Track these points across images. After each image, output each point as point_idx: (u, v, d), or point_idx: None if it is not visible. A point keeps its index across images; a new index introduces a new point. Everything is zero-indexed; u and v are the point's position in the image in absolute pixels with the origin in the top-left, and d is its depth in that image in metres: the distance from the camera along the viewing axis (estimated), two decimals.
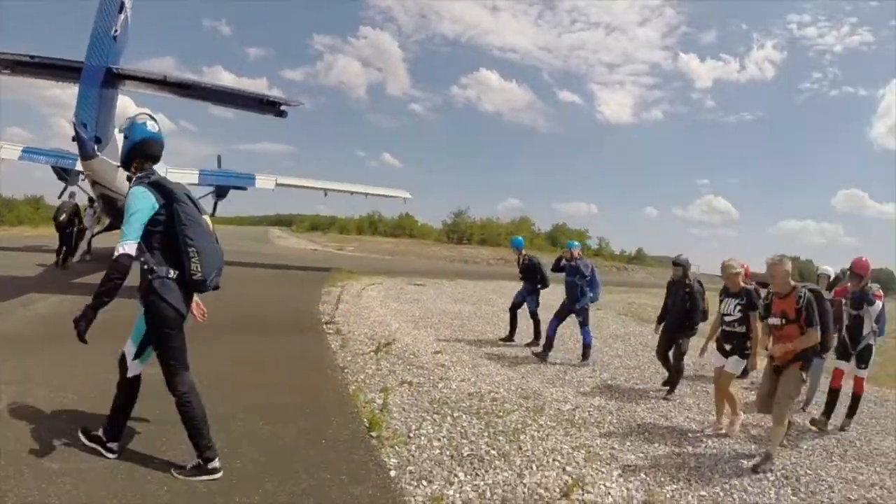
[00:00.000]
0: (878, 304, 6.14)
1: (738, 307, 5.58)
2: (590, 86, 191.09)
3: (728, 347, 5.63)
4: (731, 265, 5.77)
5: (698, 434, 5.18)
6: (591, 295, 8.22)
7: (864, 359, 6.09)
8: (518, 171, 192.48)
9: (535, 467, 3.86)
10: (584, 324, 8.18)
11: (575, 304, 8.09)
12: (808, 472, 4.42)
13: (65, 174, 18.16)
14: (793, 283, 5.01)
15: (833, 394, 5.97)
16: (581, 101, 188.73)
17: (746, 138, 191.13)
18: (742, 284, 5.76)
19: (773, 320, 5.05)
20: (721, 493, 3.81)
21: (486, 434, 4.41)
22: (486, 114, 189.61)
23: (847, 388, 6.08)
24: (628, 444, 4.62)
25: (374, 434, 4.10)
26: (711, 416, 5.68)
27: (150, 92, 11.07)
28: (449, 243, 61.70)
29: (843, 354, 6.20)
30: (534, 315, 9.00)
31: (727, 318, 5.66)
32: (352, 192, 22.11)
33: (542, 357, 7.92)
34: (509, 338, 8.99)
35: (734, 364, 5.54)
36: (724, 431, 5.40)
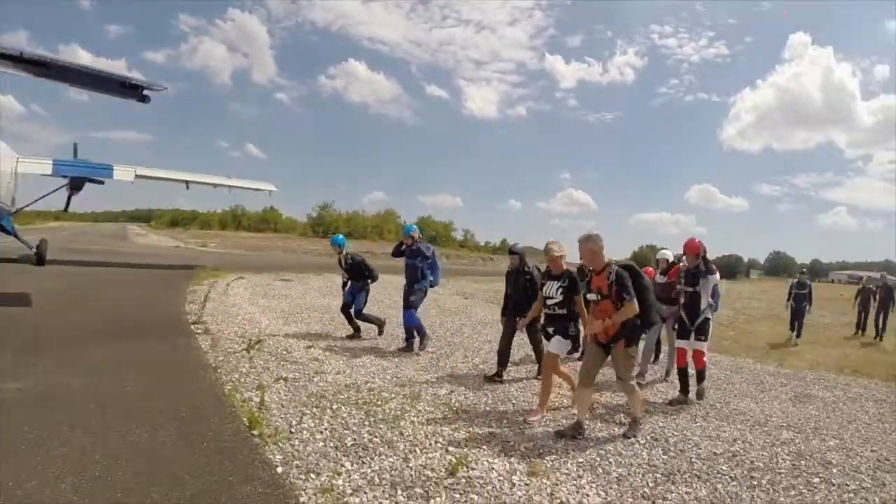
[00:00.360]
0: (717, 276, 6.33)
1: (560, 290, 5.64)
2: (457, 81, 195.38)
3: (551, 330, 5.67)
4: (552, 248, 5.79)
5: (569, 407, 5.48)
6: (432, 279, 8.18)
7: (703, 331, 6.23)
8: (384, 163, 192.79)
9: (419, 450, 3.96)
10: (410, 306, 7.97)
11: (414, 286, 8.01)
12: (676, 433, 4.90)
13: None
14: (607, 259, 5.12)
15: (682, 373, 6.20)
16: (448, 95, 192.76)
17: (606, 136, 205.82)
18: (564, 267, 5.82)
19: (591, 296, 5.19)
20: (598, 458, 4.14)
21: (367, 423, 4.46)
22: (353, 105, 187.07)
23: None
24: (505, 422, 4.88)
25: (255, 432, 4.01)
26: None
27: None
28: (314, 237, 61.23)
29: (682, 333, 6.37)
30: (359, 315, 8.70)
31: (549, 302, 5.71)
32: (215, 185, 21.19)
33: (409, 348, 7.88)
34: (355, 335, 8.65)
35: (557, 344, 5.57)
36: (536, 419, 5.18)
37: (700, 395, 6.19)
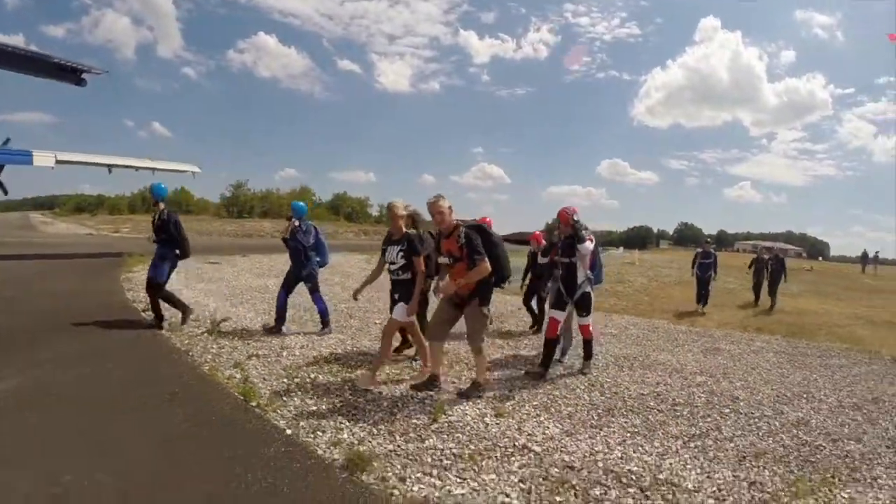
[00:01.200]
0: (589, 245, 5.97)
1: (401, 254, 5.49)
2: (370, 55, 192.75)
3: (396, 296, 5.55)
4: (395, 205, 5.67)
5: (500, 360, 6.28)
6: (318, 259, 7.79)
7: (583, 305, 6.09)
8: (295, 140, 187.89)
9: (400, 405, 4.58)
10: (313, 290, 7.72)
11: (301, 271, 7.60)
12: (608, 380, 5.77)
13: None
14: (455, 221, 5.11)
15: (548, 343, 6.04)
16: (360, 70, 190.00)
17: (519, 111, 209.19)
18: (404, 230, 5.62)
19: (442, 259, 5.19)
20: (548, 401, 4.95)
21: (346, 388, 4.97)
22: (263, 80, 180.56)
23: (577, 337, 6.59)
24: (463, 379, 5.45)
25: (253, 404, 4.40)
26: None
27: None
28: (229, 217, 59.82)
29: (557, 304, 6.20)
30: (159, 290, 7.42)
31: (392, 267, 5.57)
32: (137, 168, 20.72)
33: (276, 330, 7.47)
34: (155, 323, 7.41)
35: (400, 311, 5.46)
36: (375, 386, 5.15)
37: (583, 371, 6.11)
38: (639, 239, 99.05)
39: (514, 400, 4.96)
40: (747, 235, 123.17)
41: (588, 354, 6.29)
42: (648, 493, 3.21)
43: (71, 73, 10.18)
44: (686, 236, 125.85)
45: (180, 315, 7.52)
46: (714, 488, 3.34)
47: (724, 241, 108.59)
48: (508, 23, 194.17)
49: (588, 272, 6.10)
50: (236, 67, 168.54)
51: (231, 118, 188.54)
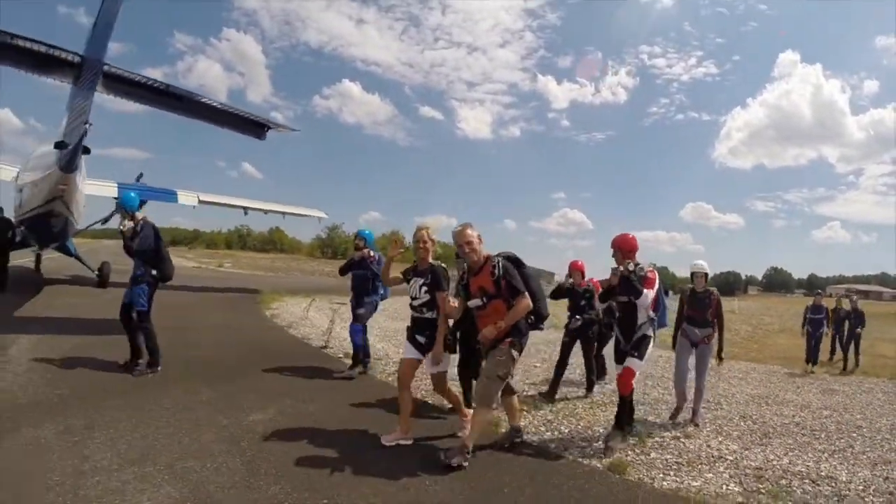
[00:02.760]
0: (649, 293, 5.16)
1: (425, 288, 4.81)
2: (450, 102, 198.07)
3: (422, 340, 4.87)
4: (423, 228, 5.00)
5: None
6: (382, 291, 7.38)
7: (637, 347, 5.32)
8: (379, 184, 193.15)
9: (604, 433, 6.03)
10: (357, 320, 7.31)
11: (363, 299, 7.30)
12: (754, 413, 6.84)
13: None
14: (485, 252, 4.60)
15: (622, 402, 5.33)
16: (441, 116, 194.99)
17: (599, 156, 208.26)
18: (430, 261, 4.93)
19: (474, 302, 4.59)
20: (718, 427, 6.11)
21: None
22: (348, 125, 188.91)
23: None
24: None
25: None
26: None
27: (125, 99, 10.41)
28: (323, 258, 63.28)
29: (618, 357, 5.51)
30: (142, 321, 6.56)
31: (414, 303, 4.92)
32: (266, 211, 22.55)
33: (363, 371, 7.31)
34: (131, 365, 6.56)
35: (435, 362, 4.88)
36: (391, 439, 4.76)
37: (609, 449, 4.98)
38: (726, 285, 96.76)
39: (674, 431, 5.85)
40: (840, 279, 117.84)
41: (619, 420, 5.33)
42: (818, 483, 4.54)
43: (259, 128, 11.16)
44: (775, 282, 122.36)
45: (144, 362, 6.56)
46: (861, 481, 4.66)
47: (815, 285, 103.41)
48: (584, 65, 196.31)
49: (651, 313, 5.36)
50: (321, 113, 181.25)
51: (316, 161, 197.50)
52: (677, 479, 4.51)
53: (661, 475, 4.57)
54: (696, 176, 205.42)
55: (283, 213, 22.70)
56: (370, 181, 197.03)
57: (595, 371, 7.48)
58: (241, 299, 17.51)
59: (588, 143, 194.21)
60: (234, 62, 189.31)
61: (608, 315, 7.10)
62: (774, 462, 5.01)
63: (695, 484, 4.39)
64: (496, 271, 4.42)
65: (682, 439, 5.56)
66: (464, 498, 3.86)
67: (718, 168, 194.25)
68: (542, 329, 5.08)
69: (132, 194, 7.08)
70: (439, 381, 4.99)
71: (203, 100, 10.63)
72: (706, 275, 6.51)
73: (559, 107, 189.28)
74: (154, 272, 6.58)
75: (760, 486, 4.42)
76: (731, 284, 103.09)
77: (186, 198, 19.43)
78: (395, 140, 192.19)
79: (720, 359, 6.49)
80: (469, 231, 4.54)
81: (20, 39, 8.08)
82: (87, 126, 8.07)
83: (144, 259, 6.54)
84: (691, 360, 6.45)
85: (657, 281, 5.29)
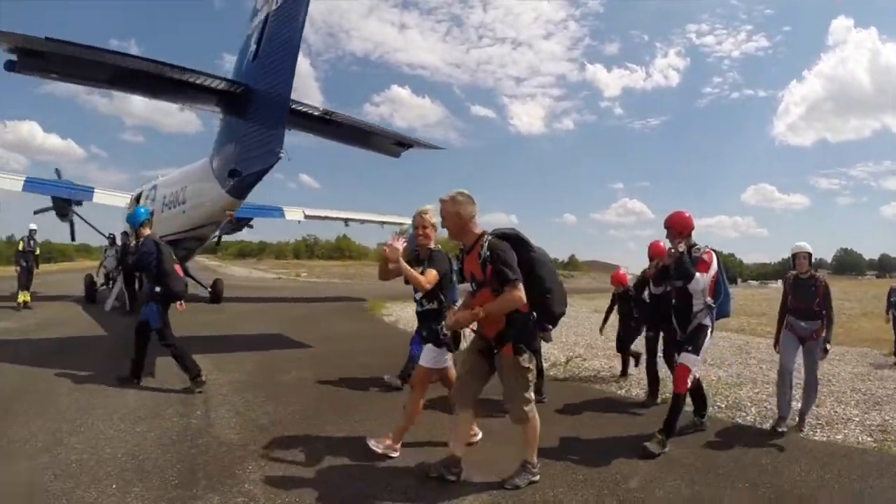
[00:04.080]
0: (702, 277, 4.85)
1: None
2: (500, 99, 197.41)
3: (424, 333, 4.63)
4: (423, 212, 4.60)
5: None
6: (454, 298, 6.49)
7: (692, 339, 4.99)
8: (435, 185, 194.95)
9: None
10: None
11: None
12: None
13: (67, 208, 18.00)
14: (479, 230, 3.96)
15: (675, 402, 4.97)
16: (493, 114, 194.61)
17: (655, 142, 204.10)
18: (431, 246, 4.57)
19: (464, 286, 4.21)
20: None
21: None
22: (400, 130, 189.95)
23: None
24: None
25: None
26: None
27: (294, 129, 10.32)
28: None
29: (677, 345, 5.22)
30: (163, 339, 6.67)
31: (416, 296, 4.62)
32: (363, 221, 23.62)
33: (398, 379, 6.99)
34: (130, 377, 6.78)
35: (427, 354, 4.52)
36: (382, 447, 4.45)
37: (647, 451, 4.69)
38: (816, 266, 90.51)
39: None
40: None
41: (668, 424, 4.88)
42: None
43: (401, 146, 11.52)
44: (846, 263, 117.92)
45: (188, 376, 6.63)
46: None
47: (887, 266, 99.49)
48: (633, 51, 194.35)
49: (709, 300, 4.98)
50: (373, 120, 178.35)
51: (371, 168, 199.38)
52: (823, 435, 5.77)
53: (811, 432, 5.76)
54: (756, 156, 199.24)
55: (382, 223, 23.69)
56: (425, 184, 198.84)
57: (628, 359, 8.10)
58: (350, 308, 18.49)
59: (643, 129, 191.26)
60: None
61: (640, 308, 7.33)
62: (891, 421, 6.22)
63: (838, 437, 5.72)
64: (483, 252, 3.75)
65: (815, 408, 6.28)
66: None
67: (779, 146, 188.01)
68: (548, 330, 4.35)
69: (141, 210, 7.01)
70: (444, 378, 4.75)
71: (359, 124, 11.03)
72: (810, 255, 5.82)
73: (611, 94, 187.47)
74: (157, 289, 6.57)
75: (886, 437, 5.71)
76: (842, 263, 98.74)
77: (293, 213, 20.84)
78: (449, 140, 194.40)
79: (825, 351, 5.71)
80: (455, 206, 3.93)
81: (189, 74, 8.46)
82: (280, 156, 7.93)
83: (148, 276, 6.69)
84: (798, 359, 5.87)
85: (714, 264, 4.90)
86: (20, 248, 15.11)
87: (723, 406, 6.81)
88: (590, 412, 6.40)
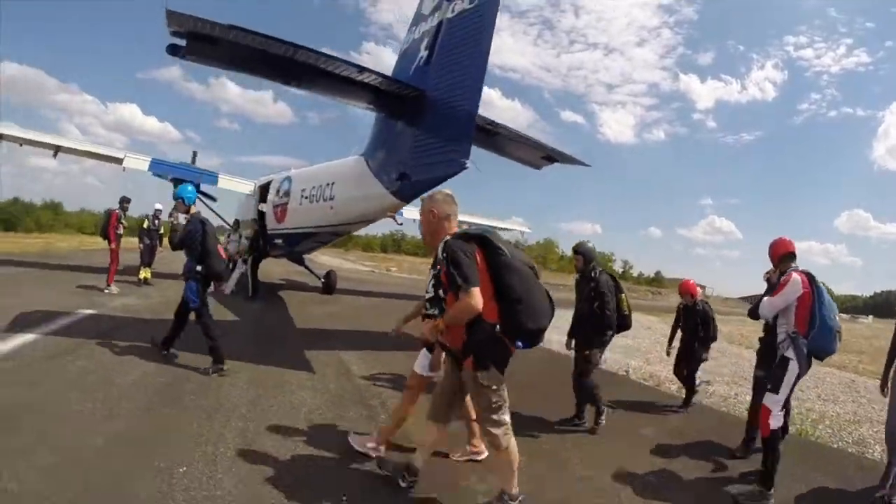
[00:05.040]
0: (777, 301, 4.52)
1: (433, 280, 4.26)
2: (590, 105, 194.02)
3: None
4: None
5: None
6: None
7: (774, 377, 4.53)
8: (520, 189, 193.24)
9: None
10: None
11: None
12: None
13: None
14: (452, 229, 3.77)
15: (766, 443, 4.49)
16: (583, 120, 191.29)
17: (747, 159, 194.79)
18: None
19: (429, 294, 4.13)
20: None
21: None
22: None
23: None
24: None
25: None
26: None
27: None
28: None
29: (758, 384, 5.12)
30: (200, 317, 6.93)
31: (426, 297, 4.35)
32: (469, 225, 23.20)
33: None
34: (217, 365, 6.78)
35: (421, 360, 4.46)
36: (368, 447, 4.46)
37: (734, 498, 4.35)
38: (887, 306, 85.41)
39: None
40: None
41: (765, 470, 4.41)
42: None
43: (546, 161, 11.50)
44: None
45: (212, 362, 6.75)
46: None
47: None
48: (728, 62, 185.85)
49: (793, 330, 4.42)
50: None
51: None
52: None
53: None
54: (852, 180, 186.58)
55: (468, 225, 23.13)
56: (512, 188, 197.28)
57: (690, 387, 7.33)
58: None
59: (735, 145, 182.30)
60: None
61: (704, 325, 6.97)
62: None
63: None
64: (439, 254, 3.57)
65: None
66: None
67: (877, 171, 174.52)
68: (519, 348, 3.59)
69: (190, 188, 7.26)
70: (414, 381, 4.60)
71: (518, 136, 10.82)
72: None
73: (704, 106, 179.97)
74: (199, 268, 6.72)
75: None
76: (893, 306, 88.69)
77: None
78: None
79: None
80: (428, 205, 3.81)
81: (366, 73, 8.21)
82: (466, 166, 7.58)
83: (191, 254, 6.78)
84: None
85: (792, 286, 4.41)
86: (144, 226, 15.74)
87: (849, 441, 6.57)
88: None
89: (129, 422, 4.95)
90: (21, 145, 16.55)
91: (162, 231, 16.06)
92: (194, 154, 20.79)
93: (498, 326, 3.43)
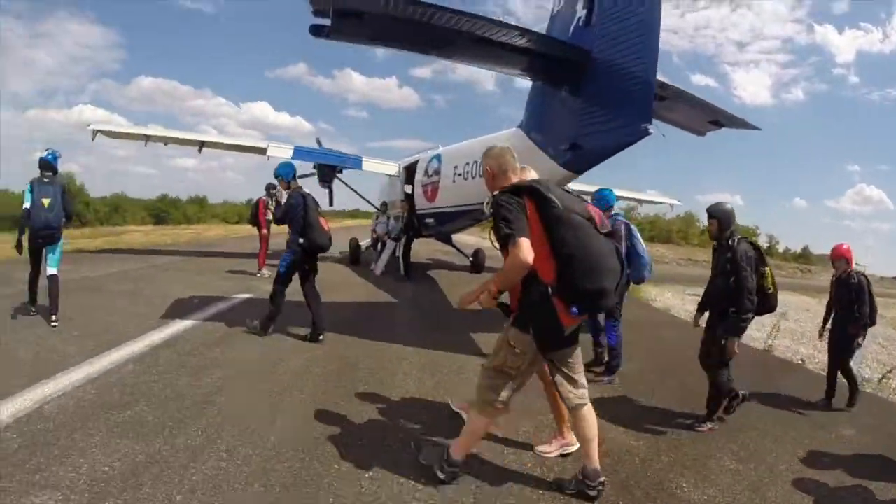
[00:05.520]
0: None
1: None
2: (721, 66, 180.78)
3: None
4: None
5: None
6: (628, 271, 4.86)
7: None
8: (654, 161, 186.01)
9: None
10: (609, 312, 5.99)
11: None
12: None
13: (331, 175, 18.54)
14: (513, 180, 3.46)
15: None
16: (716, 83, 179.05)
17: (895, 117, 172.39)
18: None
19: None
20: None
21: None
22: None
23: None
24: None
25: None
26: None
27: None
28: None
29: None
30: (277, 280, 7.11)
31: None
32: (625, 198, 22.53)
33: (604, 371, 6.34)
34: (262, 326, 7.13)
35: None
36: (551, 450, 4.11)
37: None
38: None
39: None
40: None
41: None
42: None
43: (711, 126, 10.69)
44: None
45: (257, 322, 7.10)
46: None
47: None
48: (866, 8, 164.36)
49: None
50: None
51: None
52: None
53: None
54: None
55: (640, 201, 23.32)
56: (646, 160, 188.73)
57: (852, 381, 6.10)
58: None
59: (882, 102, 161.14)
60: None
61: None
62: None
63: None
64: (486, 210, 3.37)
65: None
66: None
67: None
68: (576, 315, 3.18)
69: (292, 164, 7.43)
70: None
71: (685, 95, 9.99)
72: None
73: (844, 60, 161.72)
74: (301, 241, 6.78)
75: None
76: None
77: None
78: None
79: None
80: (487, 161, 3.56)
81: (532, 39, 7.62)
82: (650, 132, 7.10)
83: (293, 227, 6.84)
84: None
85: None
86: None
87: None
88: None
89: (302, 412, 4.72)
90: (166, 144, 17.64)
91: None
92: (318, 141, 20.95)
93: (550, 288, 3.09)
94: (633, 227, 6.23)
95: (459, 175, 13.34)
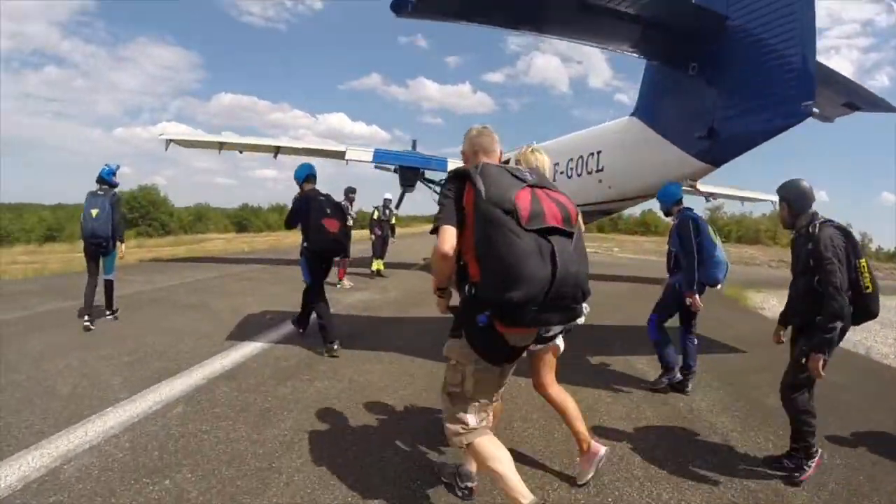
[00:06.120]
0: None
1: None
2: None
3: None
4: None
5: None
6: (715, 271, 5.31)
7: None
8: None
9: None
10: (656, 311, 5.72)
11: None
12: None
13: (413, 178, 17.83)
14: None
15: None
16: None
17: None
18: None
19: None
20: None
21: None
22: None
23: None
24: None
25: None
26: None
27: None
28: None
29: None
30: (307, 292, 6.98)
31: None
32: (714, 196, 20.96)
33: (658, 383, 5.59)
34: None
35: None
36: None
37: None
38: None
39: None
40: None
41: None
42: None
43: (845, 108, 9.15)
44: None
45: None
46: None
47: None
48: None
49: None
50: None
51: None
52: None
53: None
54: None
55: (742, 199, 21.53)
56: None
57: None
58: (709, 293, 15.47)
59: None
60: (569, 53, 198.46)
61: None
62: None
63: None
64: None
65: None
66: None
67: None
68: (483, 325, 2.51)
69: (303, 168, 6.91)
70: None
71: (824, 71, 8.22)
72: None
73: None
74: (305, 244, 6.61)
75: None
76: None
77: None
78: None
79: None
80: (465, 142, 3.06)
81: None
82: (814, 111, 6.13)
83: (301, 231, 6.66)
84: None
85: None
86: (375, 216, 15.16)
87: None
88: None
89: (407, 479, 3.50)
90: (241, 152, 17.34)
91: (393, 221, 15.63)
92: (414, 142, 20.19)
93: (474, 287, 2.54)
94: (702, 222, 5.41)
95: (562, 173, 11.81)
